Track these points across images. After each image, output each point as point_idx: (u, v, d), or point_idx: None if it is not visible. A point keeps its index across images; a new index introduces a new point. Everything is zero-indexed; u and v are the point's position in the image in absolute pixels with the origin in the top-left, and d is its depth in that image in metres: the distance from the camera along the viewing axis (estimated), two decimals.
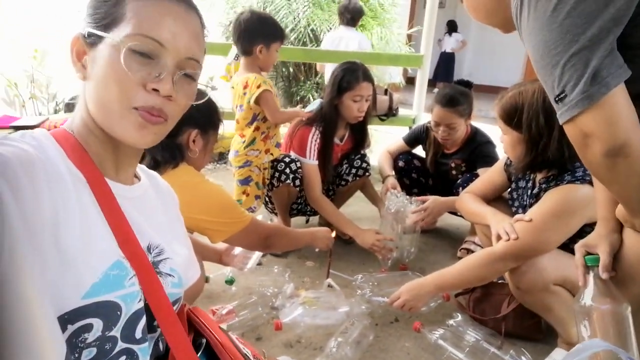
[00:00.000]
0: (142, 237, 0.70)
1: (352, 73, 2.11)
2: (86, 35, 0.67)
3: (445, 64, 8.92)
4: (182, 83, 0.69)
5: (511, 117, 1.43)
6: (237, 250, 1.56)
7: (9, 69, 3.84)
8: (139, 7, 0.66)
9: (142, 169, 0.83)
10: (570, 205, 1.37)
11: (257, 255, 1.68)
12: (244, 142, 2.16)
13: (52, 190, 0.58)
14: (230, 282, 1.85)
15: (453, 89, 2.23)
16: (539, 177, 1.53)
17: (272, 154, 2.22)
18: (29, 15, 3.88)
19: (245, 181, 2.20)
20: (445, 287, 1.60)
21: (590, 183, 1.34)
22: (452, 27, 8.88)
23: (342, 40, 3.69)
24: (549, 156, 1.40)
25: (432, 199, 2.09)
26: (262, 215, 1.64)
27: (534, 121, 1.37)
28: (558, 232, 1.38)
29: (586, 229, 1.40)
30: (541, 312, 1.49)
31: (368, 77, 2.15)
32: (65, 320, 0.59)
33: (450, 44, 8.89)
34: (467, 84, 2.29)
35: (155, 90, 0.66)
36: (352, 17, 3.64)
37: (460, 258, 1.95)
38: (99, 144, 0.70)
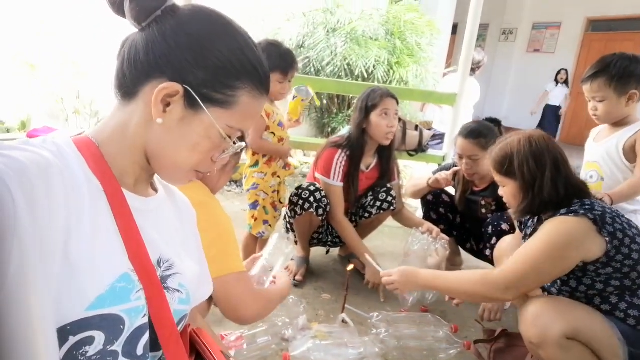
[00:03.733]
0: (153, 250, 0.69)
1: (376, 92, 2.15)
2: (189, 91, 0.66)
3: (550, 117, 8.08)
4: None
5: (503, 167, 1.49)
6: (254, 271, 1.50)
7: (57, 84, 4.06)
8: (248, 105, 0.70)
9: (160, 182, 0.83)
10: (563, 236, 1.33)
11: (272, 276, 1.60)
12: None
13: (68, 199, 0.58)
14: None
15: (478, 124, 2.22)
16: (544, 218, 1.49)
17: (279, 176, 2.18)
18: (79, 34, 4.11)
19: (253, 205, 2.18)
20: (435, 287, 1.62)
21: (586, 217, 1.32)
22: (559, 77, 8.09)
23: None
24: (546, 197, 1.42)
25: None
26: (279, 233, 1.57)
27: (525, 166, 1.43)
28: (551, 264, 1.34)
29: (589, 267, 1.34)
30: None
31: (392, 95, 2.16)
32: (67, 331, 0.57)
33: (557, 96, 8.08)
34: (495, 122, 2.26)
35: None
36: (472, 68, 4.12)
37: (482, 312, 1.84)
38: (128, 161, 0.70)
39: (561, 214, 1.38)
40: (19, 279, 0.48)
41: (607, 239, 1.30)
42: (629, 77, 1.82)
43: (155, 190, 0.79)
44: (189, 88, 0.65)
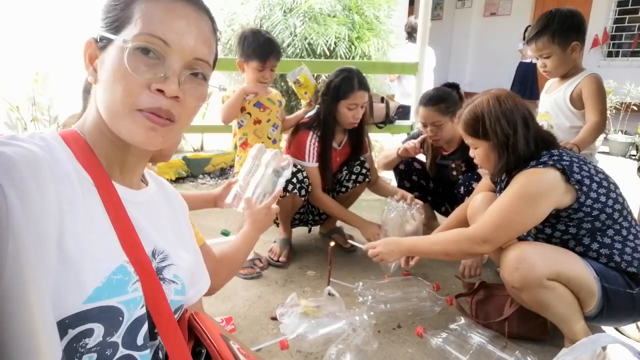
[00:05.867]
0: (147, 242, 0.70)
1: (348, 81, 2.13)
2: (98, 40, 0.67)
3: (523, 76, 7.49)
4: (190, 84, 0.67)
5: (476, 129, 1.51)
6: (228, 199, 1.51)
7: (10, 92, 3.89)
8: (147, 8, 0.65)
9: (150, 174, 0.83)
10: (534, 187, 1.40)
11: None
12: None
13: (59, 192, 0.58)
14: (225, 234, 1.65)
15: (436, 90, 2.26)
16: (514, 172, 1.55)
17: None
18: (29, 38, 3.93)
19: None
20: (416, 252, 1.74)
21: (555, 167, 1.38)
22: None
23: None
24: (520, 153, 1.46)
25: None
26: (257, 146, 1.55)
27: (498, 125, 1.47)
28: (524, 215, 1.41)
29: (561, 214, 1.42)
30: (540, 311, 1.46)
31: (363, 86, 2.16)
32: (66, 324, 0.57)
33: (529, 53, 7.60)
34: (453, 86, 2.30)
35: (160, 91, 0.64)
36: (410, 33, 4.20)
37: (462, 269, 1.94)
38: (110, 146, 0.69)
39: (531, 166, 1.43)
40: (16, 273, 0.48)
41: (576, 186, 1.37)
42: (569, 30, 1.92)
43: (146, 183, 0.79)
44: (96, 35, 0.67)
